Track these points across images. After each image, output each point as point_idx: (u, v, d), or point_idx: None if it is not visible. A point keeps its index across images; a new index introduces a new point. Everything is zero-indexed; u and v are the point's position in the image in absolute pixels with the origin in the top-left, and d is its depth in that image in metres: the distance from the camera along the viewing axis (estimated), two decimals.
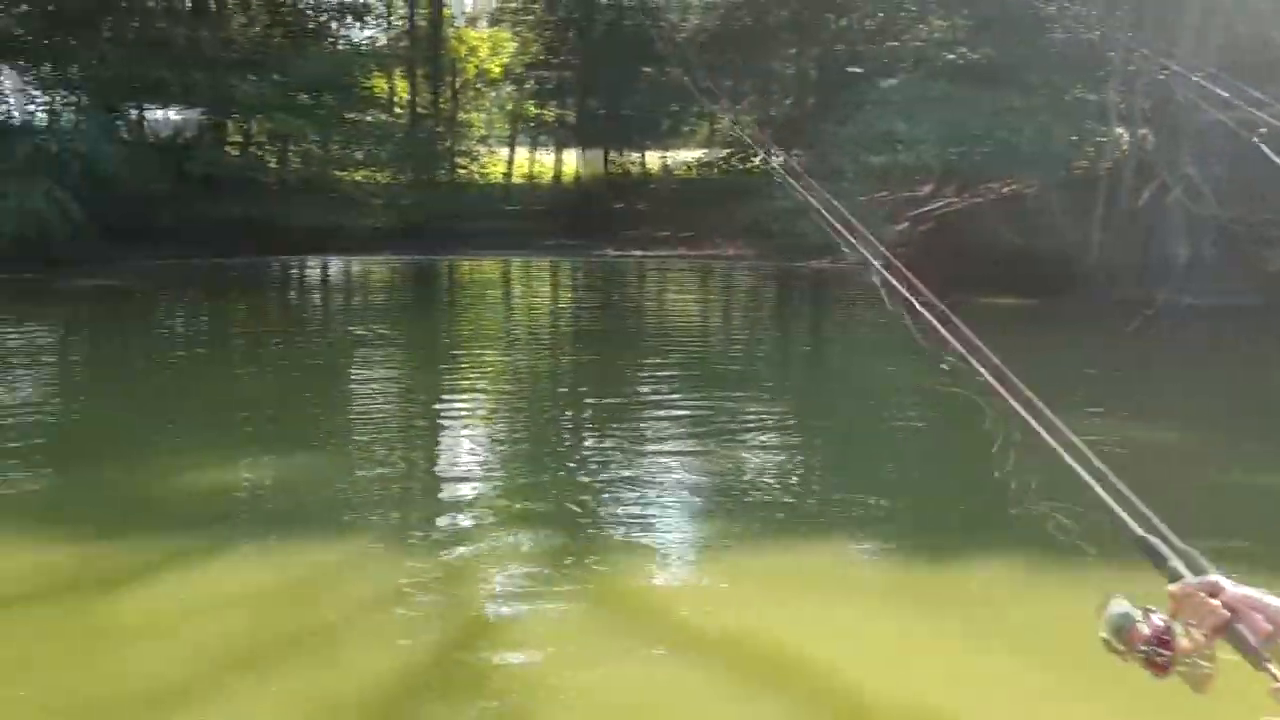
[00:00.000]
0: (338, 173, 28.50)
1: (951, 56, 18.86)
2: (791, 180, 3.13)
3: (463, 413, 9.41)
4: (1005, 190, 19.34)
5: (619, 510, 6.30)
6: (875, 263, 2.41)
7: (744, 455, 7.79)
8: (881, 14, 23.55)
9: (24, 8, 20.24)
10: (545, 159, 39.93)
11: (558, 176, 37.30)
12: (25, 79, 21.76)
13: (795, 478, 7.39)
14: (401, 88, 35.65)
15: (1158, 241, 15.51)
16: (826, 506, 6.59)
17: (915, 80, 17.17)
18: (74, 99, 21.91)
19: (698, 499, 6.68)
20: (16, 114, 23.33)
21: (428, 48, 33.74)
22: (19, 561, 5.21)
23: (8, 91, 22.77)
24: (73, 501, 6.26)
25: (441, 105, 36.64)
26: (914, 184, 29.36)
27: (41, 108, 22.61)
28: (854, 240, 2.60)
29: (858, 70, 19.68)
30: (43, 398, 9.63)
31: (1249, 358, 12.34)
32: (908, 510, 6.64)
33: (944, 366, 2.00)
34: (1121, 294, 15.05)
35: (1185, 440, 8.12)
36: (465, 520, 6.06)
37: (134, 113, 25.91)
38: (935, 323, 2.20)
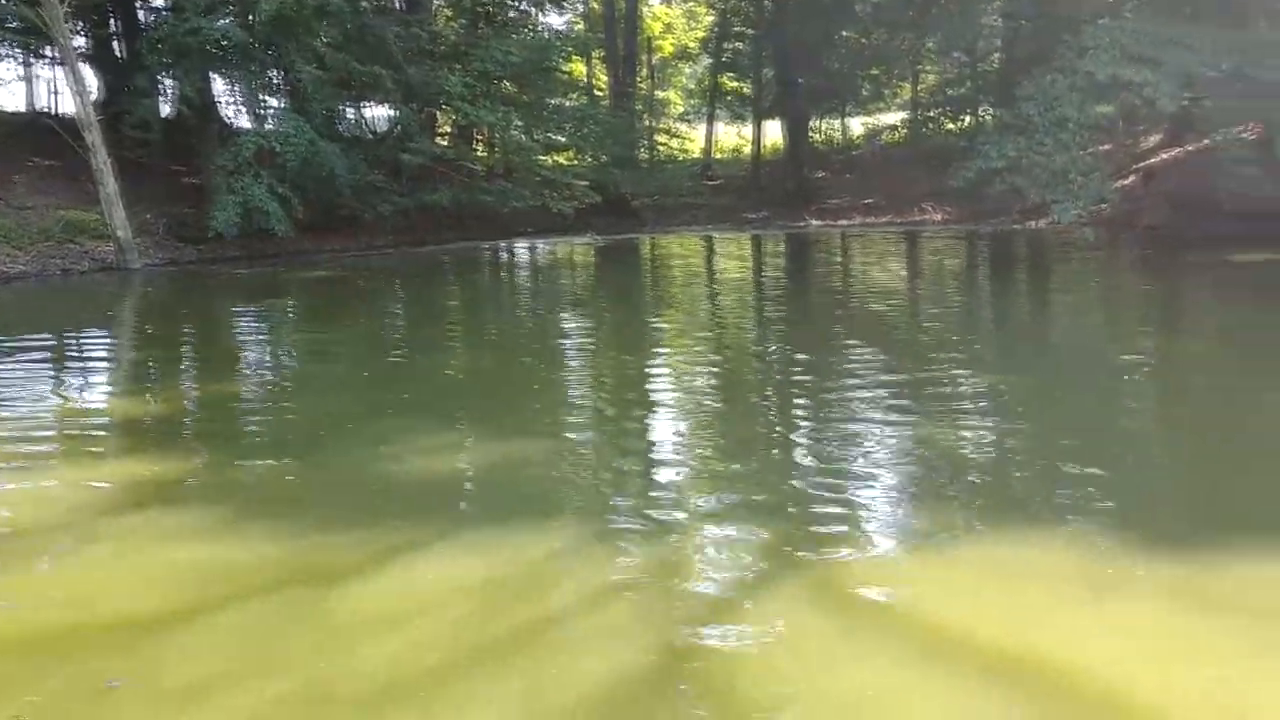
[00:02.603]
0: (541, 157, 29.01)
1: None
2: None
3: (671, 393, 9.31)
4: (1251, 136, 17.72)
5: (834, 496, 6.00)
6: None
7: (964, 434, 7.35)
8: None
9: (250, 18, 21.42)
10: (745, 132, 39.55)
11: (758, 149, 36.80)
12: (250, 84, 23.06)
13: (1021, 459, 6.88)
14: (599, 70, 36.05)
15: None
16: (1056, 491, 6.07)
17: (1145, 21, 15.84)
18: (295, 100, 23.06)
19: (916, 483, 6.32)
20: (243, 117, 24.84)
21: (624, 28, 33.89)
22: (255, 551, 5.39)
23: (234, 96, 24.23)
24: (301, 490, 6.47)
25: (639, 84, 36.84)
26: (1140, 134, 27.47)
27: (265, 110, 23.93)
28: None
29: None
30: (272, 388, 10.09)
31: None
32: (1154, 499, 6.06)
33: None
34: None
35: None
36: (677, 509, 5.91)
37: (351, 110, 27.14)
38: None
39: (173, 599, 4.81)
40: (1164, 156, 24.80)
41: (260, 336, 14.06)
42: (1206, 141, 19.58)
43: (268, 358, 12.27)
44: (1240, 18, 16.44)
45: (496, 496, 6.32)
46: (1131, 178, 23.76)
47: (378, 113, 29.18)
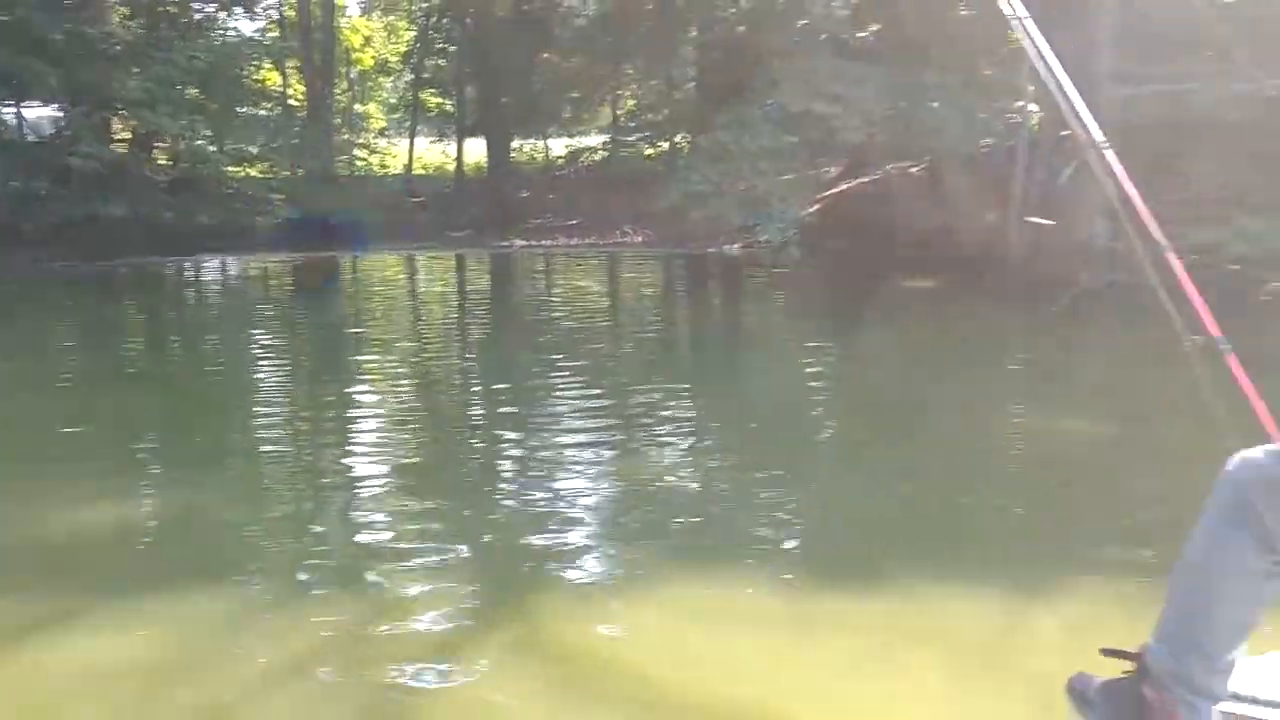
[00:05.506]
0: (231, 169, 27.30)
1: (863, 35, 18.67)
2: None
3: (370, 427, 8.82)
4: (918, 170, 19.25)
5: (539, 539, 5.82)
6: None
7: (665, 465, 7.42)
8: None
9: None
10: (448, 149, 39.08)
11: (461, 167, 36.43)
12: None
13: (720, 492, 6.94)
14: (295, 80, 34.47)
15: (1078, 221, 15.38)
16: (754, 528, 6.12)
17: (825, 59, 16.88)
18: None
19: (620, 521, 6.28)
20: None
21: (320, 38, 32.61)
22: None
23: None
24: None
25: (338, 97, 35.60)
26: (821, 165, 29.35)
27: None
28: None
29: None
30: None
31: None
32: (846, 533, 6.17)
33: None
34: (1041, 274, 15.06)
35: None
36: (375, 559, 5.53)
37: (10, 110, 24.53)
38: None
39: None
40: (845, 186, 26.58)
41: None
42: (880, 174, 21.11)
43: None
44: (908, 63, 17.87)
45: (171, 553, 5.66)
46: (816, 205, 25.27)
47: (41, 114, 26.53)
